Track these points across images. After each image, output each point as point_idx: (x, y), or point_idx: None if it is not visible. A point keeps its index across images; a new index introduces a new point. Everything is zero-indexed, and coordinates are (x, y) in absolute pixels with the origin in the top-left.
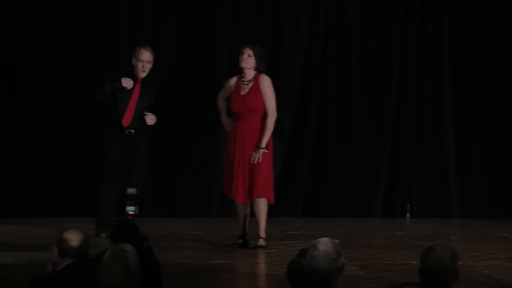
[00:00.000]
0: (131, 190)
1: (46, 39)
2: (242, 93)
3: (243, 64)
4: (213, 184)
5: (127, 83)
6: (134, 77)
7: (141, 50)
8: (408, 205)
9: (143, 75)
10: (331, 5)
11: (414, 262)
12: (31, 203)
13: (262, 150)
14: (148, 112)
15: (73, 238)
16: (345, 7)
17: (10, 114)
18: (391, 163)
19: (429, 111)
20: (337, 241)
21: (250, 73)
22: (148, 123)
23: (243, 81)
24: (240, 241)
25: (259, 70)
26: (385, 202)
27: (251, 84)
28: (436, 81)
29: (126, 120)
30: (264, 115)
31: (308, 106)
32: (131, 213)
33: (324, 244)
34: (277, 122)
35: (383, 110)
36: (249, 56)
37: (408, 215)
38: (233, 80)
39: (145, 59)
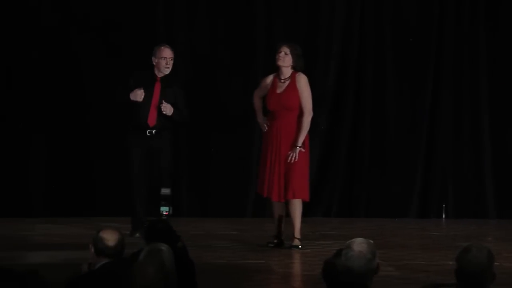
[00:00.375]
0: (165, 191)
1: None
2: (279, 91)
3: (280, 62)
4: (248, 184)
5: (136, 96)
6: (153, 77)
7: (162, 48)
8: (444, 205)
9: (167, 71)
10: (366, 3)
11: (450, 263)
12: (67, 202)
13: (298, 149)
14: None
15: (110, 237)
16: (380, 5)
17: (47, 114)
18: (426, 163)
19: (465, 111)
20: (372, 241)
21: (287, 71)
22: (163, 112)
23: (280, 79)
24: (275, 241)
25: (296, 68)
26: (421, 202)
27: (287, 82)
28: (472, 80)
29: (152, 119)
30: (300, 114)
31: (343, 105)
32: (165, 213)
33: (359, 244)
34: (313, 121)
35: (419, 110)
36: (286, 54)
37: (443, 216)
38: (269, 79)
39: (168, 56)
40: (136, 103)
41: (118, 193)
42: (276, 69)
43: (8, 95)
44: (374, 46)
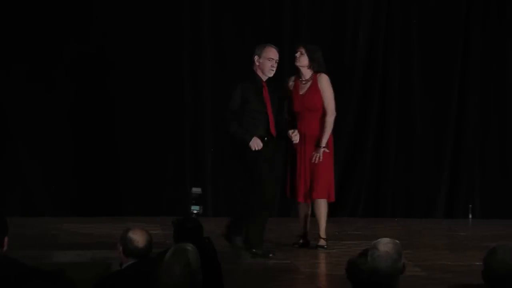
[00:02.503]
0: (196, 190)
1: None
2: (301, 92)
3: (296, 63)
4: (275, 184)
5: (256, 145)
6: (259, 82)
7: (270, 47)
8: (470, 205)
9: (271, 74)
10: (392, 2)
11: (477, 263)
12: (94, 202)
13: (322, 149)
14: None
15: (140, 239)
16: (407, 5)
17: (73, 113)
18: (453, 162)
19: (492, 110)
20: (398, 241)
21: (307, 72)
22: (295, 141)
23: (301, 80)
24: (300, 241)
25: (316, 68)
26: (447, 202)
27: (309, 83)
28: (499, 78)
29: (273, 128)
30: (324, 114)
31: (370, 105)
32: (196, 212)
33: (385, 244)
34: (338, 121)
35: (446, 109)
36: (301, 54)
37: (470, 216)
38: (291, 80)
39: (275, 58)
40: (256, 116)
41: (144, 192)
42: (298, 71)
43: (45, 96)
44: (400, 45)
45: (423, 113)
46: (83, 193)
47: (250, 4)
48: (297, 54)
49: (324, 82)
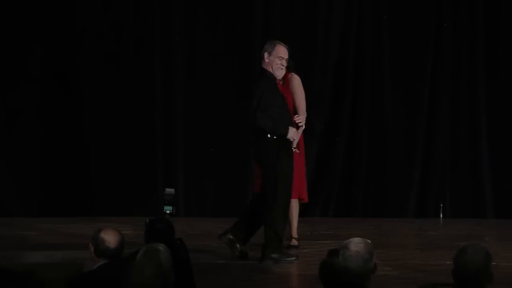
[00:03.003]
0: (169, 190)
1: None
2: None
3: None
4: (246, 184)
5: (294, 135)
6: (273, 80)
7: (279, 45)
8: (441, 204)
9: (278, 72)
10: (364, 2)
11: (448, 263)
12: (65, 202)
13: (293, 150)
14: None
15: (111, 239)
16: (377, 3)
17: (43, 113)
18: (424, 162)
19: (463, 110)
20: (369, 241)
21: None
22: (301, 125)
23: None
24: None
25: (287, 68)
26: (418, 202)
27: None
28: (470, 79)
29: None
30: (295, 114)
31: (341, 105)
32: (168, 212)
33: (356, 244)
34: (309, 121)
35: (417, 109)
36: None
37: (441, 215)
38: None
39: (285, 57)
40: (280, 111)
41: (116, 192)
42: None
43: (12, 94)
44: (372, 46)
45: (394, 113)
46: (53, 193)
47: (222, 4)
48: None
49: (295, 83)
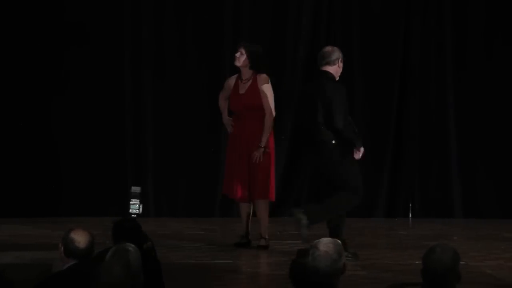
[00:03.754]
0: (135, 189)
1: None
2: (241, 92)
3: (235, 63)
4: (216, 184)
5: (359, 155)
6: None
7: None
8: (411, 204)
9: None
10: (334, 2)
11: (417, 262)
12: (33, 202)
13: (262, 150)
14: None
15: (81, 239)
16: (347, 4)
17: (7, 111)
18: (393, 162)
19: (432, 110)
20: (338, 241)
21: (246, 72)
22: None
23: (242, 80)
24: (242, 240)
25: (255, 68)
26: (388, 202)
27: (249, 83)
28: (439, 79)
29: None
30: (264, 114)
31: None
32: (135, 211)
33: (325, 244)
34: (280, 121)
35: (386, 109)
36: (241, 54)
37: (410, 215)
38: (232, 80)
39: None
40: (348, 118)
41: (85, 192)
42: (239, 70)
43: None
44: (341, 45)
45: (363, 112)
46: (21, 194)
47: (191, 2)
48: (237, 54)
49: (264, 82)
